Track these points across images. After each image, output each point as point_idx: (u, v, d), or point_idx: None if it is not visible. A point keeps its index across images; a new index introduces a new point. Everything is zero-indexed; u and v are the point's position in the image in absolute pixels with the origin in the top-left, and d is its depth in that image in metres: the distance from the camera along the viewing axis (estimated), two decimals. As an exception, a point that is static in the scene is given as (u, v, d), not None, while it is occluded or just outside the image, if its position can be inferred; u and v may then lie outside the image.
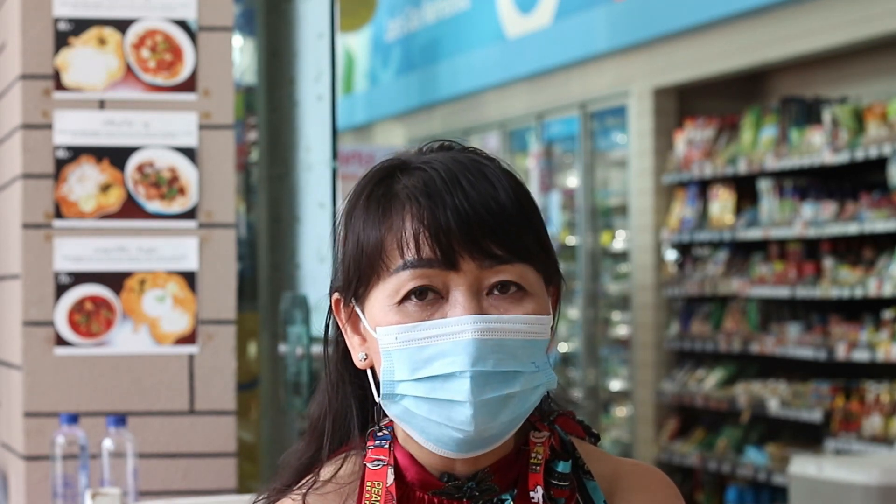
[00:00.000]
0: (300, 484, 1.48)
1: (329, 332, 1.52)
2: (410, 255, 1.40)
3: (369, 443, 1.48)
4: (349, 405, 1.50)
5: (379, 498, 1.43)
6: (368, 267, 1.43)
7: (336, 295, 1.49)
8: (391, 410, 1.43)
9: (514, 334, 1.40)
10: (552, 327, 1.45)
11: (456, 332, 1.38)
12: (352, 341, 1.48)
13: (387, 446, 1.46)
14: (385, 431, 1.48)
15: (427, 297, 1.40)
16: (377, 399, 1.44)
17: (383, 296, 1.42)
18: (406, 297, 1.40)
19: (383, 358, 1.42)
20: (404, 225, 1.41)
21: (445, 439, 1.41)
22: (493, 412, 1.39)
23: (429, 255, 1.39)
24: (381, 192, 1.44)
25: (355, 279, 1.45)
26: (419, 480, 1.45)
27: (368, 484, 1.45)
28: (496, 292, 1.41)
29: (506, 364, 1.39)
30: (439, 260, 1.39)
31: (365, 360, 1.46)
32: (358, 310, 1.46)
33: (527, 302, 1.42)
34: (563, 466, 1.47)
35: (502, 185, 1.43)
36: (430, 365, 1.39)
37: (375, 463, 1.46)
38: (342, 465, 1.48)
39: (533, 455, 1.46)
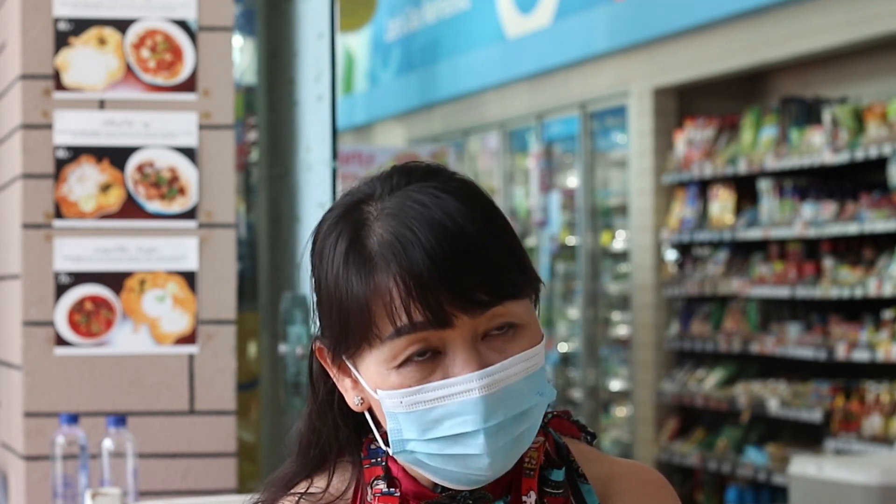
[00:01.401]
0: (292, 491, 1.47)
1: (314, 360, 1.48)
2: (401, 321, 1.36)
3: (364, 453, 1.47)
4: (338, 434, 1.48)
5: None
6: (357, 331, 1.38)
7: (318, 344, 1.45)
8: (403, 459, 1.42)
9: (517, 376, 1.38)
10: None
11: (462, 391, 1.36)
12: (343, 384, 1.45)
13: (396, 495, 1.44)
14: (376, 445, 1.46)
15: (426, 356, 1.38)
16: (385, 448, 1.42)
17: (377, 361, 1.39)
18: (405, 361, 1.38)
19: (388, 419, 1.39)
20: (390, 291, 1.36)
21: (464, 481, 1.40)
22: (508, 451, 1.39)
23: (420, 319, 1.36)
24: (355, 247, 1.38)
25: (342, 341, 1.41)
26: (413, 492, 1.44)
27: None
28: (491, 333, 1.39)
29: (515, 408, 1.38)
30: (432, 322, 1.36)
31: (361, 403, 1.43)
32: (349, 364, 1.42)
33: (520, 337, 1.40)
34: (556, 475, 1.46)
35: (469, 217, 1.38)
36: (441, 425, 1.37)
37: None
38: (334, 474, 1.47)
39: (527, 460, 1.45)
